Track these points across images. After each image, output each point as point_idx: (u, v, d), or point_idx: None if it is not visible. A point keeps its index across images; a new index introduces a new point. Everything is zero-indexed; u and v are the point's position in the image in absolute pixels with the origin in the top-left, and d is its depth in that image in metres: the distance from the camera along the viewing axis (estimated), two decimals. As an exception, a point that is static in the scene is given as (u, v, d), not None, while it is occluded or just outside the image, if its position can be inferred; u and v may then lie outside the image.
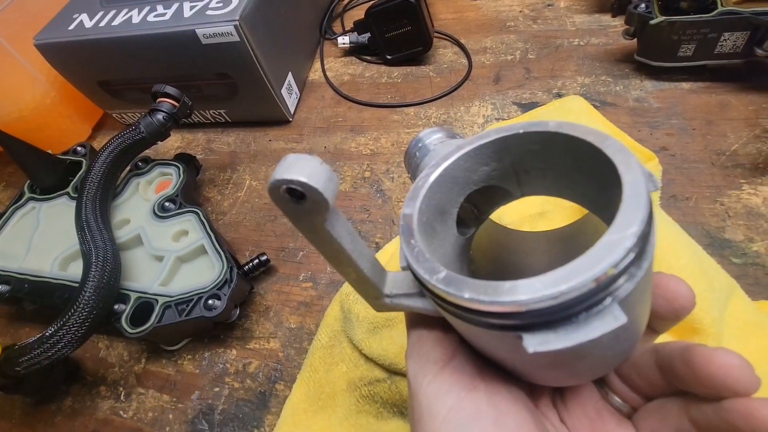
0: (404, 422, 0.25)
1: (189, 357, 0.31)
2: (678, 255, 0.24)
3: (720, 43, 0.34)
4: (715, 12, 0.33)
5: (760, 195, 0.30)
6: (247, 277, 0.32)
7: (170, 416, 0.29)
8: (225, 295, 0.28)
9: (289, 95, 0.44)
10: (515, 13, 0.49)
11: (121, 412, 0.30)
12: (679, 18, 0.33)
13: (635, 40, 0.38)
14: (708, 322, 0.21)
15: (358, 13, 0.52)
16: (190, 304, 0.28)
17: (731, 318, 0.23)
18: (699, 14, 0.33)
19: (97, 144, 0.50)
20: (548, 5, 0.48)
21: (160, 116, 0.34)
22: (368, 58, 0.49)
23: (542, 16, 0.48)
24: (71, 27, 0.39)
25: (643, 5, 0.36)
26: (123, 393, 0.31)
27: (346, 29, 0.51)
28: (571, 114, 0.37)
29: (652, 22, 0.34)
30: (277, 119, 0.45)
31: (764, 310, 0.24)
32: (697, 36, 0.34)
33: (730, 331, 0.23)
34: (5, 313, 0.37)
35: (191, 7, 0.37)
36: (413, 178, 0.18)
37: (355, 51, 0.50)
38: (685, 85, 0.37)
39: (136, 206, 0.35)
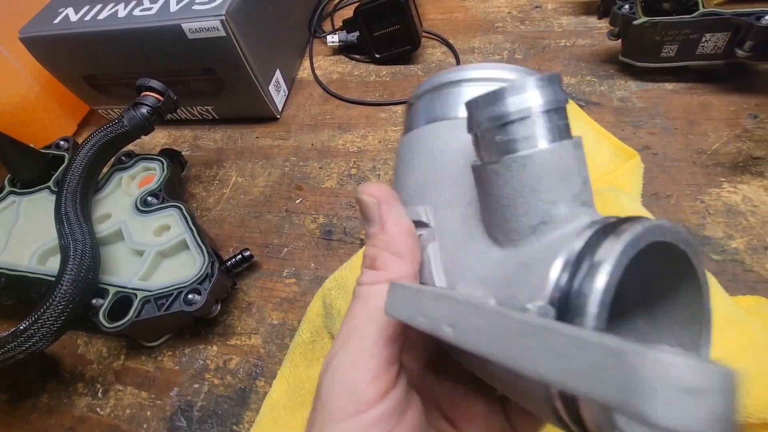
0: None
1: (169, 353, 0.31)
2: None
3: (702, 44, 0.34)
4: (697, 13, 0.33)
5: (740, 193, 0.31)
6: (230, 273, 0.32)
7: (148, 413, 0.29)
8: (205, 289, 0.28)
9: (277, 92, 0.44)
10: (503, 14, 0.49)
11: (98, 409, 0.30)
12: (662, 19, 0.34)
13: (620, 41, 0.38)
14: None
15: (348, 12, 0.52)
16: (170, 299, 0.28)
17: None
18: (681, 15, 0.34)
19: (81, 140, 0.49)
20: (536, 7, 0.49)
21: (144, 110, 0.33)
22: (357, 56, 0.49)
23: (530, 17, 0.48)
24: (56, 21, 0.39)
25: (627, 6, 0.36)
26: (101, 390, 0.30)
27: (336, 28, 0.51)
28: (557, 113, 0.37)
29: (636, 22, 0.35)
30: (265, 116, 0.45)
31: (742, 305, 0.24)
32: (679, 37, 0.34)
33: (708, 325, 0.23)
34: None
35: (178, 1, 0.37)
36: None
37: (344, 50, 0.50)
38: (668, 86, 0.38)
39: (118, 201, 0.34)
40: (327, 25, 0.54)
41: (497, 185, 0.12)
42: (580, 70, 0.41)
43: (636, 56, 0.37)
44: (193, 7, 0.35)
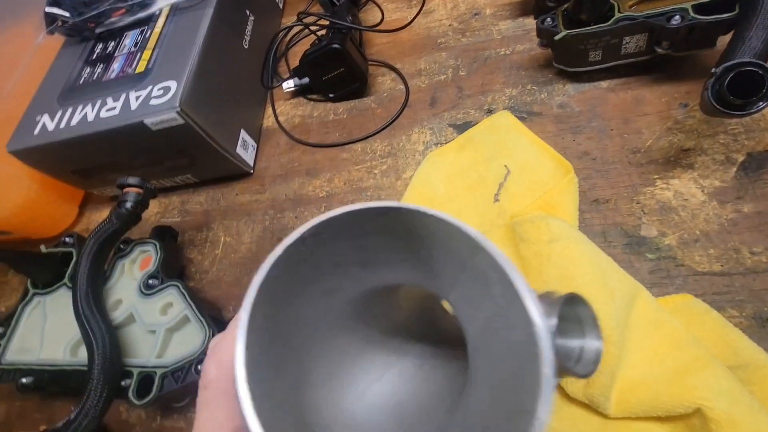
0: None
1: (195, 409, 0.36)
2: (583, 272, 0.27)
3: (624, 46, 0.36)
4: (612, 20, 0.34)
5: (672, 189, 0.33)
6: (231, 335, 0.36)
7: (187, 464, 0.34)
8: (211, 359, 0.33)
9: (246, 150, 0.47)
10: (445, 28, 0.51)
11: (147, 466, 0.35)
12: (580, 31, 0.35)
13: (550, 49, 0.40)
14: (608, 333, 0.25)
15: (302, 48, 0.53)
16: (184, 371, 0.33)
17: (637, 319, 0.27)
18: (598, 24, 0.35)
19: (86, 220, 0.54)
20: (475, 14, 0.50)
21: (128, 205, 0.37)
22: (314, 97, 0.52)
23: (470, 27, 0.49)
24: (36, 131, 0.43)
25: (549, 19, 0.38)
26: (146, 450, 0.36)
27: (290, 71, 0.53)
28: (501, 131, 0.40)
29: (556, 38, 0.36)
30: (240, 173, 0.48)
31: (668, 306, 0.28)
32: (600, 44, 0.36)
33: (636, 331, 0.26)
34: (36, 394, 0.42)
35: (137, 98, 0.40)
36: None
37: (300, 92, 0.52)
38: (604, 84, 0.40)
39: (125, 286, 0.39)
40: (283, 66, 0.56)
41: None
42: (520, 80, 0.43)
43: (567, 63, 0.39)
44: (150, 102, 0.39)
